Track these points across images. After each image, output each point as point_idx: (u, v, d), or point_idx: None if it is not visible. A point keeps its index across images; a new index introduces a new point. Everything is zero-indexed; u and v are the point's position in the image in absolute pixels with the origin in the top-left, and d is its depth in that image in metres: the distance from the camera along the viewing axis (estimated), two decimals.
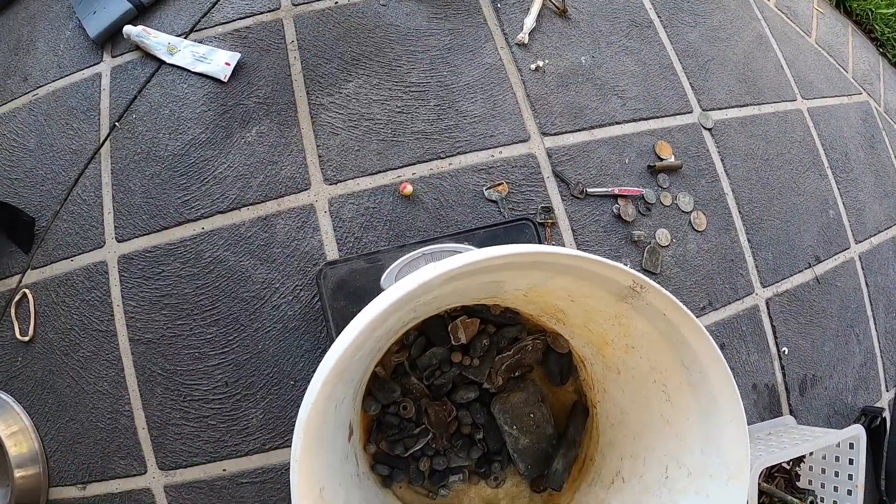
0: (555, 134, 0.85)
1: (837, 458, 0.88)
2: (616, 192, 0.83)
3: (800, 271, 0.95)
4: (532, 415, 0.69)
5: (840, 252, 1.00)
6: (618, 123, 0.88)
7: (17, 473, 0.82)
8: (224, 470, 0.77)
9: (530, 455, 0.70)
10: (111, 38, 0.89)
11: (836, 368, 0.97)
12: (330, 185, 0.81)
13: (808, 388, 0.94)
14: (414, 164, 0.81)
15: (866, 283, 1.02)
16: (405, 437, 0.69)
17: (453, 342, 0.67)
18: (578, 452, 0.73)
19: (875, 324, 1.02)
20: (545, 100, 0.86)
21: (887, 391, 1.03)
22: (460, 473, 0.70)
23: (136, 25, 0.87)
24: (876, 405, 1.02)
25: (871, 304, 1.02)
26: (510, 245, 0.45)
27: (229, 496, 0.77)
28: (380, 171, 0.81)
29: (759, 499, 0.85)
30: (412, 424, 0.69)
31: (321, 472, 0.48)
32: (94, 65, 0.90)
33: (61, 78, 0.90)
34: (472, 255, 0.43)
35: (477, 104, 0.85)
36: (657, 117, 0.90)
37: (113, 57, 0.89)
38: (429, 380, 0.68)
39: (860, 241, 1.03)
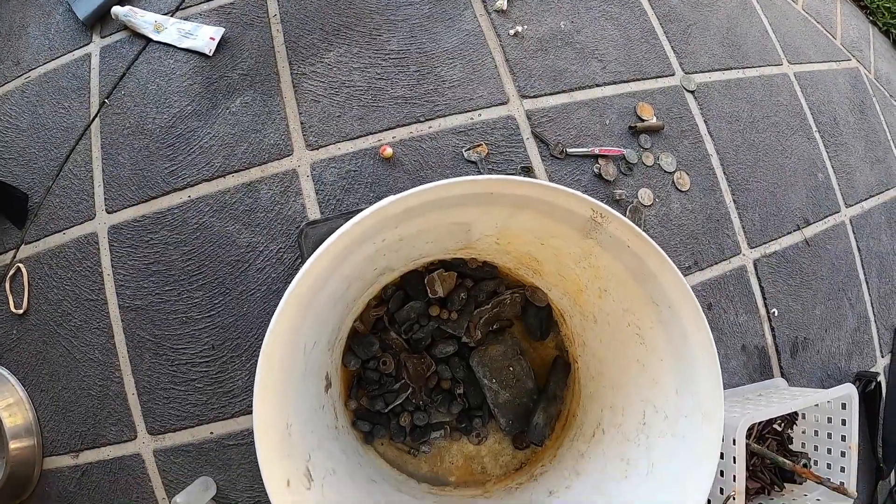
0: (534, 96, 0.85)
1: (830, 420, 0.86)
2: (596, 151, 0.83)
3: (788, 233, 0.94)
4: (511, 368, 0.69)
5: (830, 215, 0.99)
6: (598, 86, 0.88)
7: (13, 445, 0.83)
8: (211, 433, 0.78)
9: (511, 410, 0.70)
10: (100, 20, 0.91)
11: (828, 332, 0.95)
12: (312, 150, 0.82)
13: (800, 350, 0.93)
14: (394, 127, 0.82)
15: (858, 248, 1.00)
16: (385, 393, 0.69)
17: (430, 295, 0.67)
18: (561, 408, 0.73)
19: (868, 288, 1.01)
20: (524, 64, 0.87)
21: (882, 357, 1.01)
22: (441, 430, 0.71)
23: (123, 6, 0.89)
24: (871, 371, 1.00)
25: (864, 269, 1.01)
26: (465, 177, 0.45)
27: (216, 458, 0.78)
28: (360, 136, 0.82)
29: (750, 460, 0.84)
30: (392, 380, 0.69)
31: (288, 409, 0.48)
32: (83, 45, 0.92)
33: (52, 60, 0.92)
34: (427, 185, 0.44)
35: (456, 69, 0.86)
36: (638, 79, 0.90)
37: (102, 37, 0.91)
38: (407, 334, 0.69)
39: (851, 206, 1.01)
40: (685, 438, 0.53)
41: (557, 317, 0.72)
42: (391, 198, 0.43)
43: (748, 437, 0.85)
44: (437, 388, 0.70)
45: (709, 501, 0.77)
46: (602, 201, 0.83)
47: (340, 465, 0.59)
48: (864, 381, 0.97)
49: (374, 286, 0.65)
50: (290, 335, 0.46)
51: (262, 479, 0.76)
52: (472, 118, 0.83)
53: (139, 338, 0.80)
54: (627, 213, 0.83)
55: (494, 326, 0.70)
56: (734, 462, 0.73)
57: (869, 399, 0.98)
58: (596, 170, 0.83)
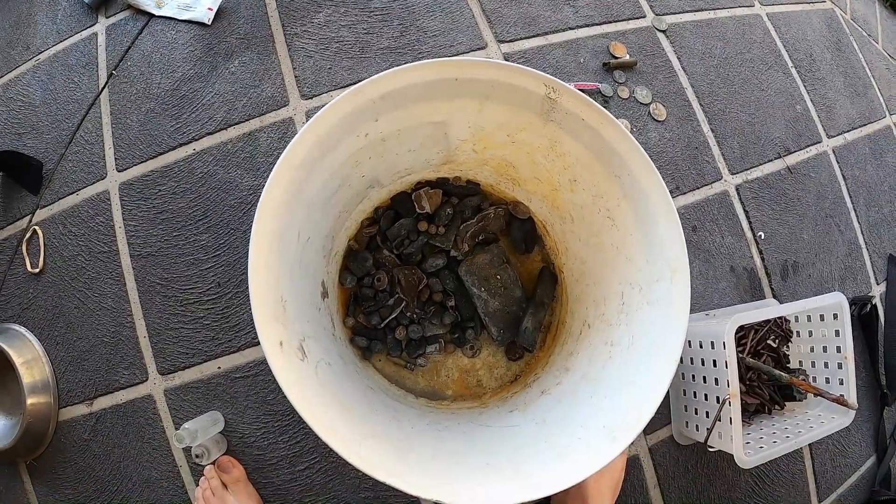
0: (510, 41, 0.94)
1: (824, 334, 0.90)
2: (572, 86, 0.91)
3: (769, 160, 1.00)
4: (499, 276, 0.75)
5: (811, 145, 1.05)
6: (571, 29, 0.96)
7: (30, 401, 0.89)
8: (219, 368, 0.85)
9: (501, 319, 0.76)
10: (105, 2, 1.03)
11: (818, 256, 1.00)
12: (306, 99, 0.91)
13: (790, 273, 0.98)
14: None
15: (843, 176, 1.06)
16: (380, 308, 0.75)
17: (418, 210, 0.74)
18: (550, 319, 0.79)
19: (857, 216, 1.06)
20: (500, 12, 0.96)
21: (877, 284, 1.05)
22: (436, 343, 0.77)
23: None
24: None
25: (851, 197, 1.06)
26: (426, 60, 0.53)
27: (224, 393, 0.84)
28: (350, 84, 0.91)
29: (746, 374, 0.89)
30: (386, 295, 0.76)
31: (282, 284, 0.55)
32: (90, 26, 1.02)
33: (60, 42, 1.03)
34: (394, 69, 0.52)
35: (436, 20, 0.95)
36: (610, 22, 0.98)
37: (107, 18, 1.02)
38: (398, 249, 0.75)
39: (833, 136, 1.07)
40: (659, 302, 0.58)
41: (541, 230, 0.79)
42: (362, 82, 0.51)
43: (742, 352, 0.89)
44: (429, 300, 0.77)
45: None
46: None
47: (337, 366, 0.65)
48: (860, 305, 1.01)
49: (365, 201, 0.73)
50: (284, 209, 0.53)
51: (267, 413, 0.83)
52: None
53: (149, 283, 0.88)
54: None
55: (480, 238, 0.76)
56: (726, 367, 0.78)
57: (866, 325, 1.01)
58: None
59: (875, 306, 1.01)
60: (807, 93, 1.08)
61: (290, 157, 0.51)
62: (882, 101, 1.16)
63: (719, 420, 0.80)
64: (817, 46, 1.13)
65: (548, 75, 0.53)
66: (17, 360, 0.91)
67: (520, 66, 0.52)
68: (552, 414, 0.63)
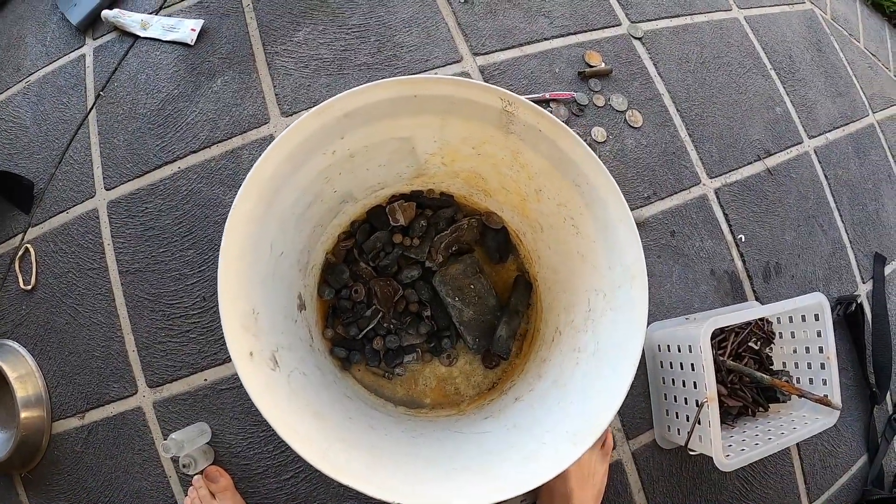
0: (486, 53, 0.97)
1: (806, 335, 0.92)
2: (547, 96, 0.94)
3: (749, 163, 1.02)
4: (472, 286, 0.78)
5: (792, 146, 1.07)
6: (546, 39, 0.99)
7: (23, 415, 0.93)
8: (205, 380, 0.88)
9: (476, 327, 0.79)
10: (92, 24, 1.07)
11: (801, 257, 1.02)
12: (286, 116, 0.95)
13: (773, 275, 0.99)
14: None
15: (825, 176, 1.08)
16: (358, 319, 0.78)
17: (392, 223, 0.77)
18: (526, 327, 0.81)
19: (840, 215, 1.07)
20: (475, 26, 0.99)
21: (864, 283, 1.07)
22: (413, 353, 0.79)
23: (112, 9, 1.05)
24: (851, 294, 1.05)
25: (834, 197, 1.08)
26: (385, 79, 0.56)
27: (211, 404, 0.87)
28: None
29: (728, 377, 0.90)
30: (364, 306, 0.78)
31: (254, 297, 0.58)
32: (78, 48, 1.07)
33: (50, 63, 1.08)
34: (353, 89, 0.55)
35: (413, 35, 0.98)
36: (585, 31, 1.01)
37: (94, 39, 1.07)
38: (374, 262, 0.78)
39: (814, 137, 1.09)
40: (622, 308, 0.61)
41: (515, 239, 0.81)
42: (326, 101, 0.54)
43: (723, 355, 0.91)
44: (405, 311, 0.79)
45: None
46: None
47: (314, 376, 0.68)
48: (845, 304, 1.02)
49: (340, 216, 0.76)
50: (255, 222, 0.56)
51: (253, 424, 0.86)
52: None
53: (137, 298, 0.91)
54: None
55: (454, 249, 0.79)
56: (704, 370, 0.80)
57: (852, 324, 1.03)
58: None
59: (861, 305, 1.02)
60: (786, 94, 1.10)
61: (257, 175, 0.54)
62: (864, 99, 1.18)
63: (699, 423, 0.81)
64: (797, 47, 1.15)
65: (503, 89, 0.55)
66: (11, 374, 0.95)
67: (475, 81, 0.55)
68: (523, 419, 0.66)
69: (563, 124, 0.56)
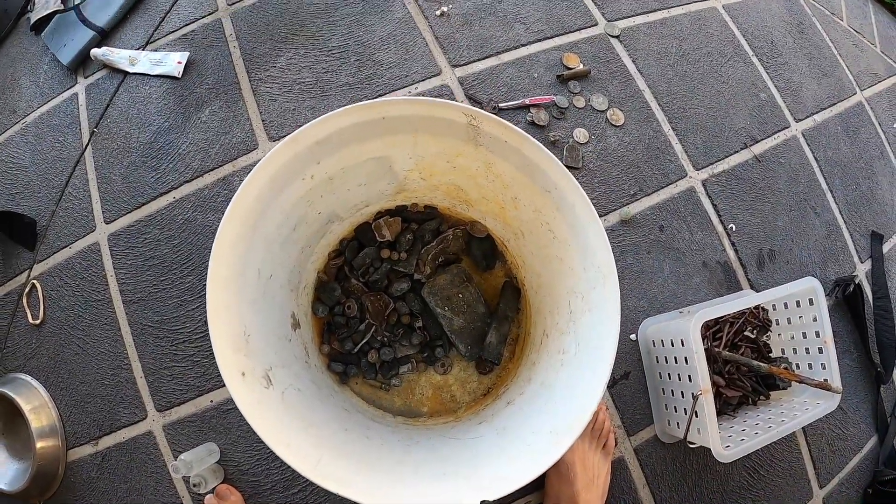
0: (464, 64, 1.01)
1: (802, 318, 0.94)
2: (527, 102, 0.97)
3: (735, 152, 1.04)
4: (461, 295, 0.82)
5: (779, 131, 1.09)
6: (523, 46, 1.03)
7: (39, 444, 0.99)
8: (211, 401, 0.93)
9: (468, 335, 0.82)
10: (82, 63, 1.13)
11: (795, 242, 1.04)
12: (273, 141, 0.99)
13: (766, 262, 1.01)
14: None
15: (815, 158, 1.10)
16: (353, 334, 0.82)
17: (379, 239, 0.81)
18: (518, 331, 0.85)
19: (833, 197, 1.09)
20: (452, 38, 1.03)
21: (861, 262, 1.08)
22: (408, 363, 0.83)
23: (100, 48, 1.11)
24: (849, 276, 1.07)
25: (826, 178, 1.09)
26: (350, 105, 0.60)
27: (218, 424, 0.92)
28: None
29: (725, 367, 0.92)
30: (357, 321, 0.83)
31: (244, 318, 0.62)
32: (70, 87, 1.13)
33: (45, 104, 1.14)
34: (321, 117, 0.59)
35: (392, 53, 1.02)
36: (561, 34, 1.04)
37: (85, 77, 1.13)
38: (364, 277, 0.82)
39: (801, 120, 1.11)
40: (597, 308, 0.64)
41: (500, 246, 0.85)
42: (295, 132, 0.58)
43: (719, 345, 0.93)
44: (398, 323, 0.83)
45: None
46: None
47: (309, 391, 0.72)
48: (844, 286, 1.04)
49: (328, 235, 0.80)
50: (242, 248, 0.60)
51: (259, 441, 0.90)
52: (409, 91, 0.99)
53: (142, 325, 0.97)
54: (565, 152, 0.96)
55: (441, 260, 0.83)
56: (696, 363, 0.83)
57: (852, 305, 1.04)
58: (529, 118, 0.97)
59: (859, 286, 1.03)
60: (770, 79, 1.12)
61: (238, 205, 0.58)
62: (851, 77, 1.19)
63: (696, 416, 0.84)
64: (778, 31, 1.17)
65: (465, 105, 0.59)
66: (26, 407, 1.01)
67: (438, 99, 0.59)
68: (513, 422, 0.69)
69: (526, 133, 0.60)
